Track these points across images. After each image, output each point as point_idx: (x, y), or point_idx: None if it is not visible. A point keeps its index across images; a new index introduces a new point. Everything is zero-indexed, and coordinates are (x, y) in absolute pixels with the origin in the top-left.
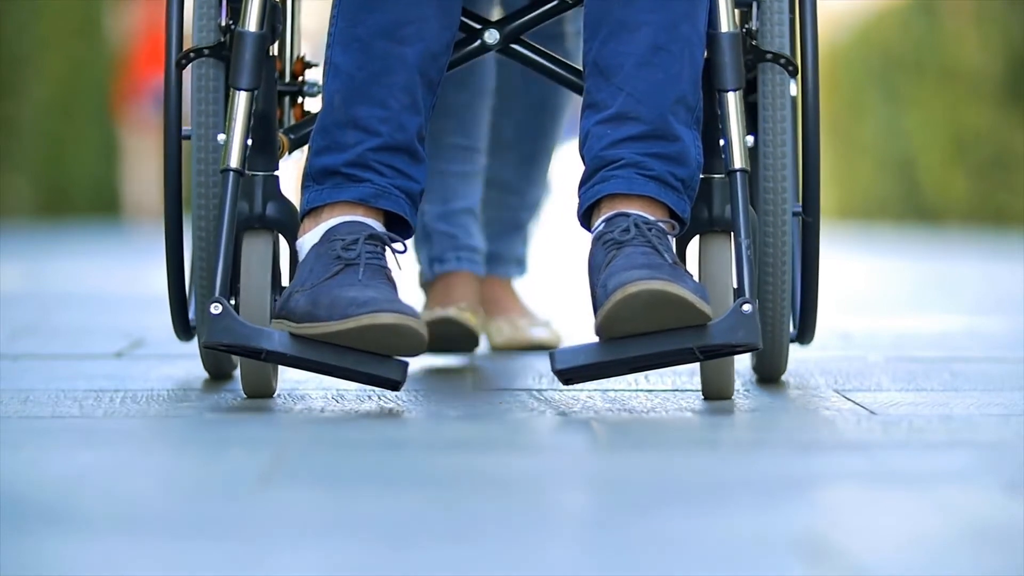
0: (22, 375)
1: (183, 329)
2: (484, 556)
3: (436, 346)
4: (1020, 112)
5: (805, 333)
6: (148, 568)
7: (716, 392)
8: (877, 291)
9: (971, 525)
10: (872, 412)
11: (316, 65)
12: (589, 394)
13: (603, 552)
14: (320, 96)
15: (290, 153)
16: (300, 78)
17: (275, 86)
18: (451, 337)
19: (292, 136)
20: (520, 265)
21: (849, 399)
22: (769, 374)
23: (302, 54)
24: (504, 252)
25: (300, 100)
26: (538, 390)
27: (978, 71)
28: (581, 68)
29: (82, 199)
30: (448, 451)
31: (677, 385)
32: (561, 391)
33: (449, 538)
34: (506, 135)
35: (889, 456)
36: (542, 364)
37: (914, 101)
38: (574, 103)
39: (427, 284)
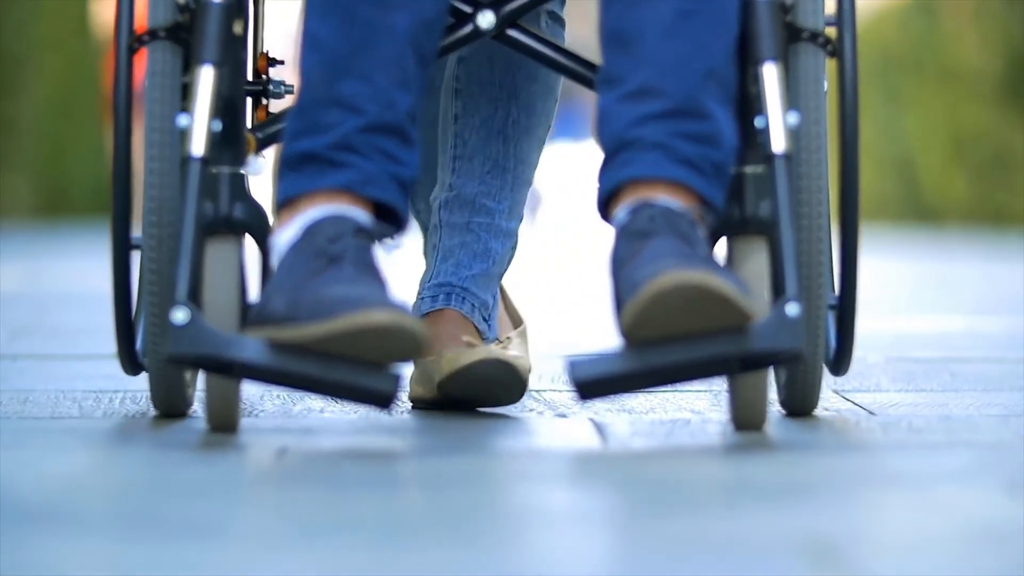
0: (21, 375)
1: (130, 360)
2: (484, 557)
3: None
4: (1019, 112)
5: (841, 360)
6: (148, 569)
7: (748, 421)
8: (877, 291)
9: (971, 526)
10: (871, 413)
11: (282, 62)
12: None
13: (603, 552)
14: (287, 96)
15: (256, 153)
16: (264, 76)
17: (243, 69)
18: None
19: (259, 135)
20: (486, 321)
21: (848, 400)
22: (800, 407)
23: (266, 50)
24: (470, 287)
25: (265, 101)
26: (537, 391)
27: (977, 71)
28: (589, 58)
29: (81, 199)
30: (446, 453)
31: (676, 385)
32: (560, 391)
33: (447, 540)
34: (471, 140)
35: (888, 457)
36: (542, 365)
37: (914, 101)
38: (567, 100)
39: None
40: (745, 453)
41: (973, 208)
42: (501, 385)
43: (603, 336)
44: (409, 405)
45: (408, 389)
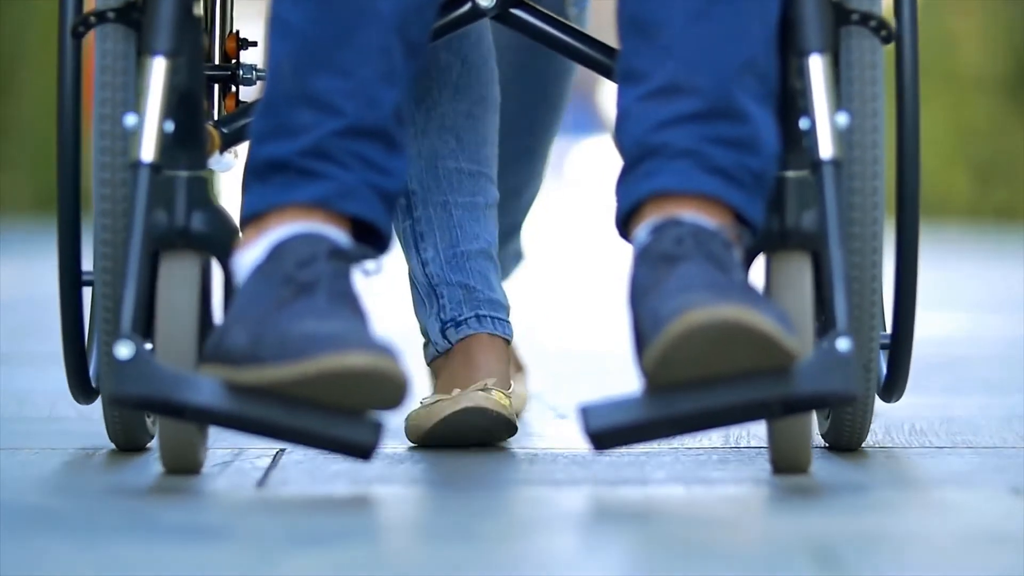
0: (19, 376)
1: (81, 388)
2: (484, 558)
3: (459, 439)
4: (1022, 111)
5: (895, 386)
6: (146, 570)
7: (790, 464)
8: None
9: (973, 528)
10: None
11: (254, 44)
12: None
13: (603, 556)
14: (260, 83)
15: (222, 152)
16: (233, 60)
17: (202, 56)
18: (481, 429)
19: (224, 129)
20: (517, 257)
21: None
22: (848, 442)
23: (235, 30)
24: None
25: (233, 88)
26: (538, 392)
27: (980, 70)
28: (600, 40)
29: (81, 198)
30: (446, 454)
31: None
32: (560, 393)
33: (447, 541)
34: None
35: (891, 459)
36: (544, 366)
37: None
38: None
39: (439, 359)
40: (745, 456)
41: (974, 207)
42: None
43: (606, 339)
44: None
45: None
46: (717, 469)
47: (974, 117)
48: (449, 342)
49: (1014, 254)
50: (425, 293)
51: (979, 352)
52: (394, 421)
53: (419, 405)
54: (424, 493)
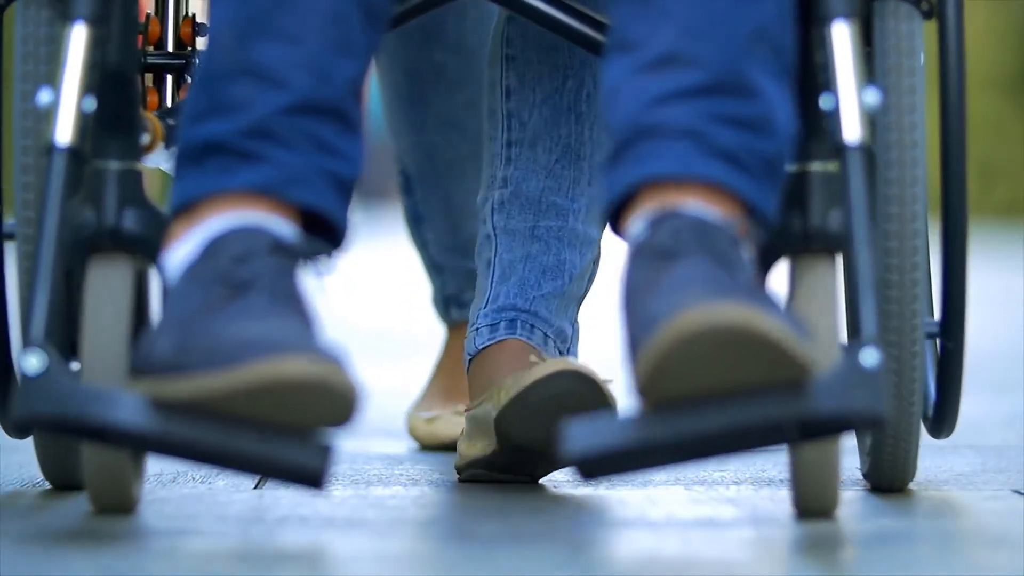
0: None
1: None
2: (486, 559)
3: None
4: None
5: (945, 416)
6: (146, 572)
7: (814, 506)
8: None
9: (975, 529)
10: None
11: None
12: None
13: (605, 557)
14: None
15: (168, 146)
16: (188, 47)
17: (135, 30)
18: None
19: (171, 120)
20: (562, 340)
21: None
22: (891, 480)
23: (191, 13)
24: (540, 310)
25: (189, 79)
26: None
27: (982, 68)
28: (595, 16)
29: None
30: (444, 454)
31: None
32: None
33: (446, 542)
34: (531, 121)
35: None
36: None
37: None
38: None
39: (452, 324)
40: (748, 455)
41: (977, 206)
42: (577, 398)
43: (605, 344)
44: (456, 477)
45: (457, 454)
46: (718, 470)
47: (976, 115)
48: (453, 319)
49: (1016, 252)
50: (428, 266)
51: (981, 351)
52: (393, 424)
53: (420, 413)
54: (424, 493)
